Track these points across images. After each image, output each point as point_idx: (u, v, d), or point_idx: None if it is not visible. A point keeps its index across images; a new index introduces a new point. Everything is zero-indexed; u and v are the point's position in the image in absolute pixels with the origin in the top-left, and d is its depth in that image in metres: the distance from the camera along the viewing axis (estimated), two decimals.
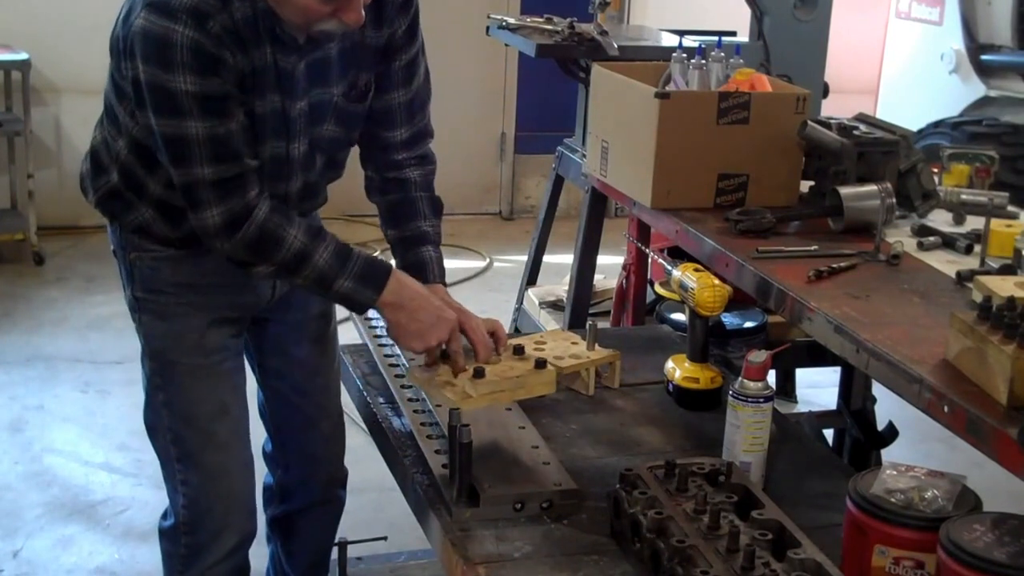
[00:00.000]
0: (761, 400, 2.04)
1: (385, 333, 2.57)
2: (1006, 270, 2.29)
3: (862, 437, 3.37)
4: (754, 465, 2.05)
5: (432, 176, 2.31)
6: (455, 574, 1.83)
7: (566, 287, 4.18)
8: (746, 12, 4.14)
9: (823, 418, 3.46)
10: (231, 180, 1.96)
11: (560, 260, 4.87)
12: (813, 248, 2.46)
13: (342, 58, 2.09)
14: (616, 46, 3.90)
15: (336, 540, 2.68)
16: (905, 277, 2.34)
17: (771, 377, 2.25)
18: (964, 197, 2.78)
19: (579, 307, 4.07)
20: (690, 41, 3.56)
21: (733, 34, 4.50)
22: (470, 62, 6.35)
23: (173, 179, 1.99)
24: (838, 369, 3.52)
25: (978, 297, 2.08)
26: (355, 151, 2.31)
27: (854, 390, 3.42)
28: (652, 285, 3.57)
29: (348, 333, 2.68)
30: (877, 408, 3.47)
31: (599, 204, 4.00)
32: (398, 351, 2.48)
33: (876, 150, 2.67)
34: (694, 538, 1.72)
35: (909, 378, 1.88)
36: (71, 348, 4.65)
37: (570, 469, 2.05)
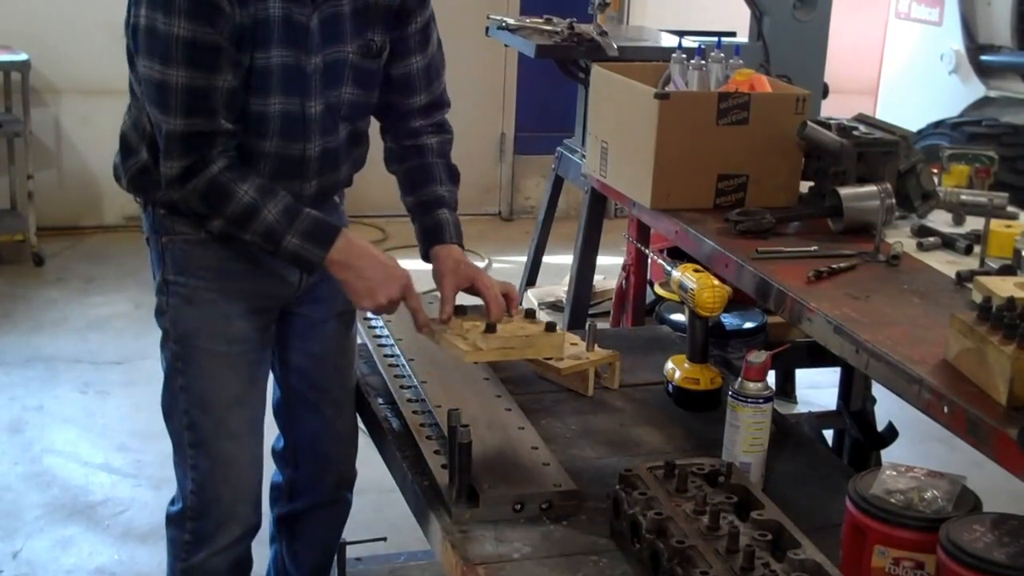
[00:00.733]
0: (761, 401, 2.04)
1: (385, 333, 2.58)
2: (1006, 270, 2.29)
3: (862, 438, 3.37)
4: (754, 466, 2.05)
5: (449, 145, 2.35)
6: (455, 575, 1.83)
7: (565, 288, 4.19)
8: (746, 12, 4.14)
9: (823, 418, 3.46)
10: (198, 136, 2.01)
11: (560, 261, 4.87)
12: (813, 249, 2.46)
13: (355, 17, 2.12)
14: (616, 47, 3.90)
15: None
16: (905, 278, 2.34)
17: (771, 378, 2.25)
18: (964, 197, 2.78)
19: (579, 308, 4.07)
20: (689, 42, 3.57)
21: (733, 35, 4.50)
22: (470, 63, 6.34)
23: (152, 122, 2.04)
24: (838, 370, 3.51)
25: (978, 297, 2.08)
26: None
27: (854, 391, 3.42)
28: (652, 286, 3.57)
29: None
30: (877, 408, 3.47)
31: (599, 205, 4.00)
32: (398, 351, 2.48)
33: (876, 151, 2.67)
34: (694, 539, 1.72)
35: (909, 378, 1.88)
36: (71, 349, 4.65)
37: (570, 470, 2.05)
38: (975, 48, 5.51)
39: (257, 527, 2.36)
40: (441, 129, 2.34)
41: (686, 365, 2.41)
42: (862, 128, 2.74)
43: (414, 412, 2.24)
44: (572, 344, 2.48)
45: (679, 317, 3.34)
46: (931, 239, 2.54)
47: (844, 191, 2.57)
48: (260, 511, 2.36)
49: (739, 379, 2.06)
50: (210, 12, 1.94)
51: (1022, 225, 2.54)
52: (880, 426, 3.41)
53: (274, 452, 2.56)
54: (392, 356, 2.49)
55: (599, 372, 2.46)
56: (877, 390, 3.40)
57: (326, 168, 2.21)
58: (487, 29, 4.34)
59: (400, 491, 2.17)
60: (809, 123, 2.72)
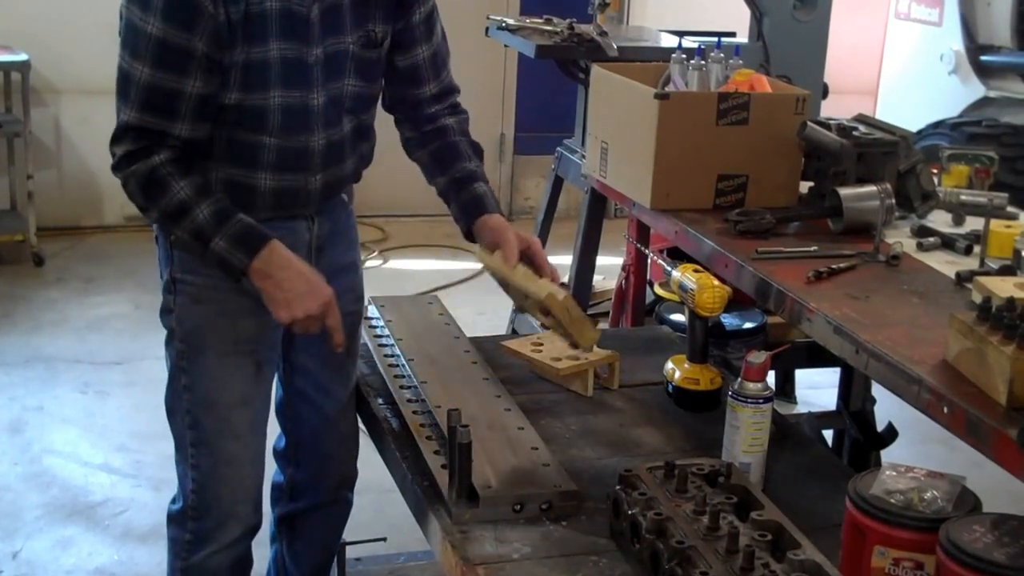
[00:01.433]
0: (760, 401, 2.04)
1: (386, 333, 2.58)
2: (1005, 271, 2.29)
3: (861, 438, 3.37)
4: (753, 466, 2.05)
5: (467, 124, 2.38)
6: (454, 575, 1.83)
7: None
8: (745, 13, 4.14)
9: (823, 419, 3.46)
10: (150, 132, 2.02)
11: (559, 261, 4.84)
12: (812, 249, 2.46)
13: (355, 8, 2.13)
14: (615, 47, 3.90)
15: None
16: (905, 278, 2.34)
17: (771, 378, 2.25)
18: (963, 198, 2.78)
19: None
20: (689, 42, 3.56)
21: (732, 35, 4.50)
22: (469, 63, 6.31)
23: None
24: (837, 370, 3.51)
25: (977, 298, 2.08)
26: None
27: (853, 391, 3.42)
28: (651, 286, 3.57)
29: None
30: (876, 409, 3.47)
31: (598, 205, 4.00)
32: (398, 351, 2.48)
33: (876, 151, 2.67)
34: (693, 539, 1.72)
35: (908, 379, 1.88)
36: (71, 349, 4.65)
37: (569, 470, 2.05)
38: (975, 48, 5.52)
39: (258, 527, 2.36)
40: (456, 110, 2.37)
41: (686, 365, 2.41)
42: (862, 128, 2.74)
43: (414, 412, 2.24)
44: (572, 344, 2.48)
45: (679, 317, 3.34)
46: (931, 239, 2.54)
47: (844, 191, 2.57)
48: (261, 511, 2.36)
49: (739, 379, 2.06)
50: (188, 15, 1.95)
51: (1022, 225, 2.54)
52: (880, 426, 3.41)
53: (275, 451, 2.56)
54: (392, 356, 2.49)
55: (599, 372, 2.46)
56: (877, 390, 3.40)
57: (331, 161, 2.21)
58: (487, 29, 4.34)
59: (400, 491, 2.17)
60: (809, 123, 2.72)
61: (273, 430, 2.54)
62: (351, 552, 2.78)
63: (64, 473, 3.72)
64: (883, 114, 5.45)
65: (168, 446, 2.32)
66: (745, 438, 2.05)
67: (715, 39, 3.17)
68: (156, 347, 2.28)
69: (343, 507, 2.57)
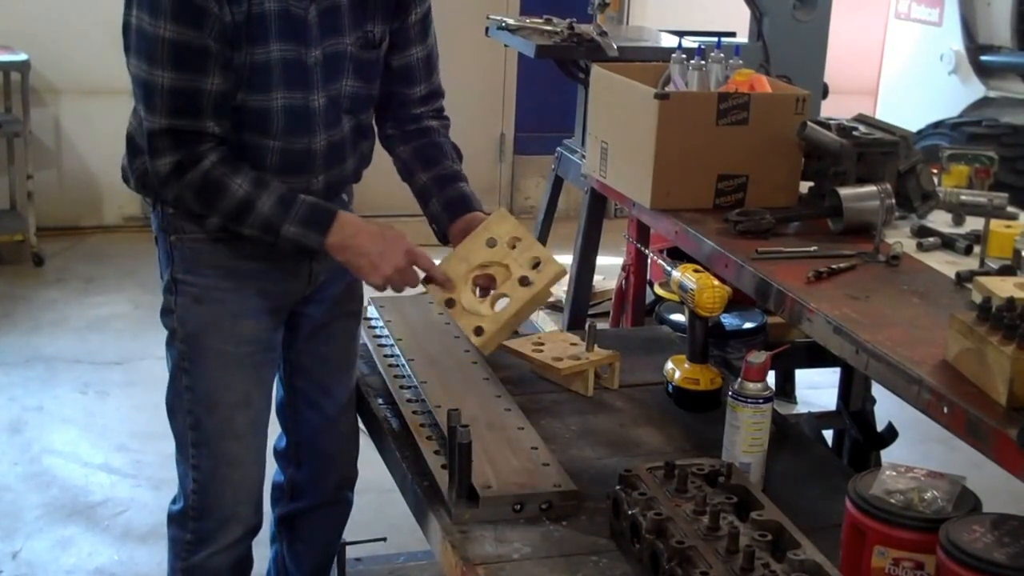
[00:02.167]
0: (760, 401, 2.04)
1: (385, 333, 2.58)
2: (1005, 271, 2.29)
3: (861, 438, 3.37)
4: (754, 466, 2.05)
5: (449, 128, 2.39)
6: (454, 575, 1.83)
7: (565, 288, 4.18)
8: (745, 13, 4.14)
9: (823, 419, 3.46)
10: (186, 133, 2.02)
11: (559, 261, 4.87)
12: (812, 249, 2.45)
13: (353, 9, 2.13)
14: (615, 47, 3.90)
15: None
16: (904, 278, 2.34)
17: (771, 378, 2.25)
18: (963, 198, 2.78)
19: (578, 308, 4.07)
20: (689, 42, 3.56)
21: (732, 35, 4.50)
22: (469, 63, 6.34)
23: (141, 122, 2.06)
24: (837, 370, 3.51)
25: (977, 298, 2.08)
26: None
27: (853, 391, 3.42)
28: (651, 286, 3.57)
29: None
30: (876, 409, 3.47)
31: (598, 205, 4.00)
32: (398, 351, 2.48)
33: (876, 151, 2.67)
34: (693, 539, 1.72)
35: (908, 379, 1.88)
36: (70, 349, 4.65)
37: (569, 470, 2.05)
38: (975, 48, 5.52)
39: (258, 527, 2.36)
40: (440, 114, 2.38)
41: (686, 365, 2.41)
42: (862, 128, 2.74)
43: (414, 412, 2.24)
44: (572, 344, 2.48)
45: (679, 317, 3.34)
46: (931, 239, 2.54)
47: (844, 191, 2.57)
48: (261, 511, 2.36)
49: (739, 379, 2.06)
50: (196, 14, 1.95)
51: (1022, 225, 2.54)
52: (880, 426, 3.41)
53: (276, 451, 2.56)
54: (392, 356, 2.49)
55: (599, 372, 2.46)
56: (877, 390, 3.40)
57: (333, 162, 2.21)
58: (487, 29, 4.34)
59: (400, 491, 2.17)
60: (809, 123, 2.72)
61: (273, 430, 2.54)
62: (351, 552, 2.78)
63: (64, 473, 3.72)
64: (883, 114, 5.45)
65: (168, 446, 2.32)
66: (745, 438, 2.05)
67: (715, 39, 3.17)
68: (156, 347, 2.28)
69: (343, 507, 2.57)
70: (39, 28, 5.75)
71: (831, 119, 2.78)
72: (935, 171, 2.89)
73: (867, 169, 2.65)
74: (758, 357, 2.05)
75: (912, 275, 2.35)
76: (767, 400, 2.05)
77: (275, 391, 2.46)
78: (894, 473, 1.76)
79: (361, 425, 2.47)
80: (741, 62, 2.99)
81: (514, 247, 2.19)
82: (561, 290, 4.32)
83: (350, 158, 2.26)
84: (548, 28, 4.12)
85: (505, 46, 4.70)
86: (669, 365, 2.44)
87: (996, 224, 2.48)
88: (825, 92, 4.15)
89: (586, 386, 2.43)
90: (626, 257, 3.65)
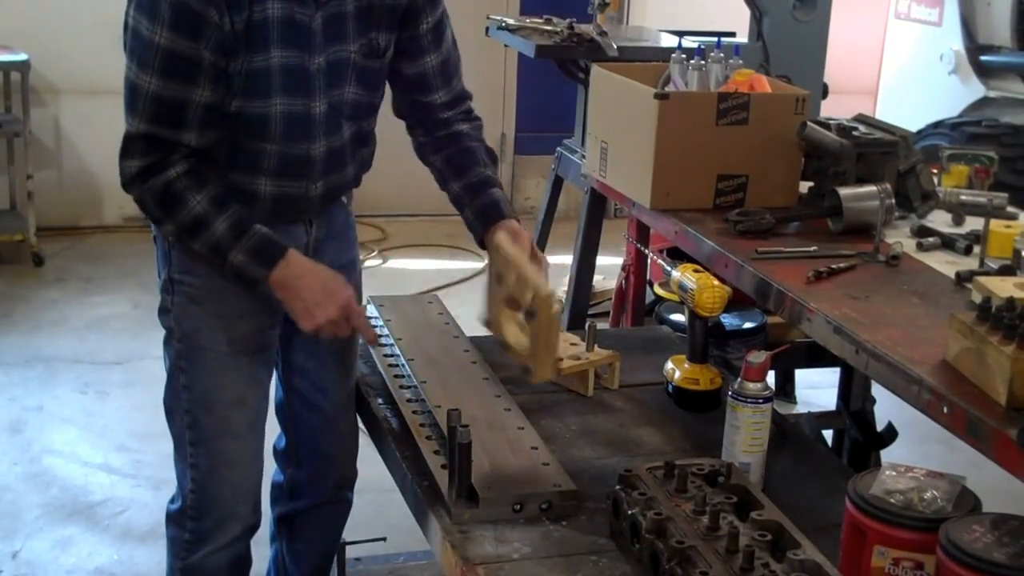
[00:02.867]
0: (760, 401, 2.04)
1: (385, 333, 2.58)
2: (1005, 271, 2.29)
3: (861, 438, 3.37)
4: (753, 466, 2.05)
5: (481, 130, 2.38)
6: (454, 575, 1.83)
7: (565, 288, 4.18)
8: (745, 13, 4.14)
9: (822, 419, 3.46)
10: (161, 140, 2.01)
11: (559, 261, 4.86)
12: (812, 249, 2.46)
13: (358, 17, 2.12)
14: (615, 47, 3.91)
15: None
16: (904, 278, 2.34)
17: (770, 378, 2.25)
18: (963, 198, 2.78)
19: (578, 308, 4.07)
20: (689, 42, 3.57)
21: (732, 35, 4.50)
22: (469, 63, 6.28)
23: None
24: (837, 370, 3.51)
25: (977, 298, 2.08)
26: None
27: (853, 391, 3.42)
28: (651, 286, 3.57)
29: None
30: (876, 409, 3.47)
31: (598, 205, 4.00)
32: (398, 351, 2.48)
33: (875, 151, 2.67)
34: (693, 539, 1.72)
35: (908, 379, 1.88)
36: (70, 349, 4.65)
37: (569, 470, 2.05)
38: (975, 48, 5.52)
39: (256, 526, 2.36)
40: (470, 116, 2.37)
41: (686, 365, 2.41)
42: (862, 128, 2.74)
43: (414, 412, 2.24)
44: (572, 344, 2.48)
45: (679, 317, 3.34)
46: (931, 239, 2.54)
47: (844, 191, 2.57)
48: (260, 510, 2.36)
49: (739, 379, 2.06)
50: (195, 24, 1.94)
51: (1022, 225, 2.54)
52: (880, 426, 3.41)
53: (276, 451, 2.56)
54: (392, 356, 2.49)
55: (599, 372, 2.46)
56: (877, 390, 3.40)
57: (332, 168, 2.21)
58: (487, 29, 4.34)
59: (400, 491, 2.17)
60: (809, 123, 2.72)
61: (273, 430, 2.55)
62: (351, 552, 2.78)
63: (64, 473, 3.72)
64: (883, 114, 5.45)
65: (168, 446, 2.32)
66: (745, 438, 2.05)
67: (715, 39, 3.17)
68: (156, 347, 2.28)
69: (343, 507, 2.57)
70: (39, 28, 5.75)
71: (831, 119, 2.79)
72: (935, 171, 2.89)
73: (867, 169, 2.65)
74: (758, 357, 2.05)
75: (912, 275, 2.35)
76: (767, 400, 2.05)
77: (274, 391, 2.46)
78: (894, 473, 1.76)
79: (361, 425, 2.47)
80: (741, 62, 2.99)
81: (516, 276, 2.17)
82: (561, 290, 4.33)
83: (350, 164, 2.26)
84: (548, 28, 4.12)
85: (505, 46, 4.70)
86: (669, 365, 2.44)
87: (996, 224, 2.48)
88: (825, 92, 4.16)
89: (586, 386, 2.42)
90: (626, 257, 3.65)
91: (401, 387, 2.35)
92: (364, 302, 2.56)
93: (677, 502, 1.83)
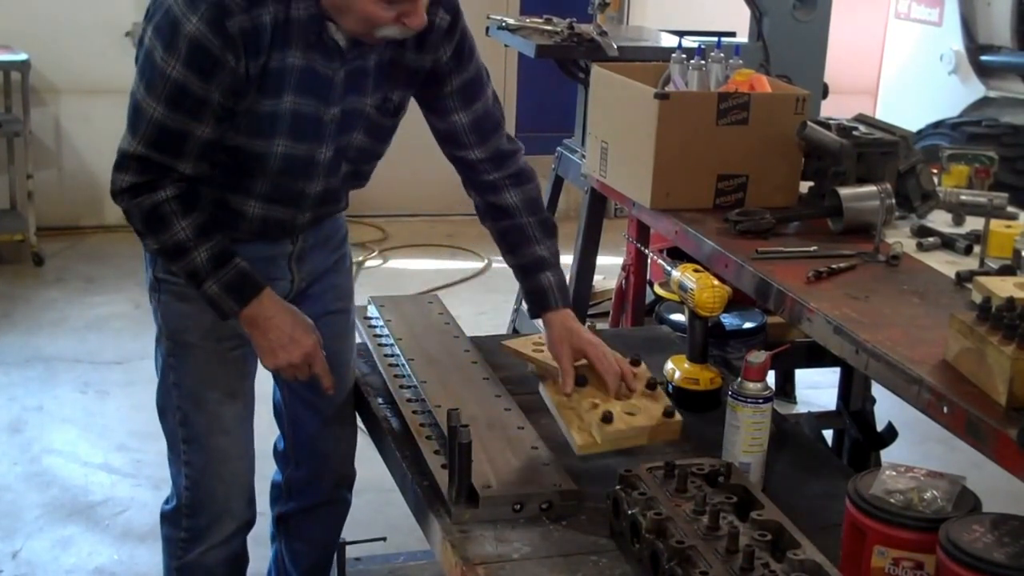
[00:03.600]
0: (760, 401, 2.04)
1: (385, 333, 2.58)
2: (1005, 271, 2.29)
3: (861, 438, 3.37)
4: (753, 466, 2.05)
5: (534, 194, 2.35)
6: (454, 575, 1.83)
7: None
8: (745, 13, 4.14)
9: (822, 419, 3.46)
10: (156, 164, 2.02)
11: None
12: (812, 249, 2.46)
13: (379, 72, 2.12)
14: (615, 47, 3.90)
15: None
16: (904, 278, 2.34)
17: (770, 378, 2.25)
18: (963, 198, 2.78)
19: (578, 308, 4.05)
20: (689, 42, 3.56)
21: (732, 35, 4.50)
22: None
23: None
24: (837, 370, 3.51)
25: (977, 298, 2.08)
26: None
27: (853, 391, 3.42)
28: (651, 286, 3.57)
29: None
30: (876, 409, 3.47)
31: (598, 205, 4.00)
32: (398, 351, 2.48)
33: (875, 151, 2.67)
34: (693, 539, 1.72)
35: (908, 379, 1.88)
36: (70, 349, 4.65)
37: (570, 470, 2.05)
38: (975, 48, 5.52)
39: (251, 522, 2.37)
40: (520, 179, 2.33)
41: (686, 365, 2.40)
42: (862, 128, 2.74)
43: (414, 412, 2.24)
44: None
45: (679, 317, 3.34)
46: (931, 239, 2.54)
47: (844, 191, 2.57)
48: (254, 506, 2.36)
49: (739, 379, 2.06)
50: (210, 66, 1.93)
51: (1022, 225, 2.54)
52: (880, 426, 3.41)
53: (275, 452, 2.57)
54: (392, 356, 2.49)
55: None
56: (877, 390, 3.40)
57: (325, 202, 2.24)
58: (487, 29, 4.34)
59: (400, 491, 2.17)
60: (809, 123, 2.72)
61: (273, 430, 2.55)
62: (351, 552, 2.78)
63: (64, 473, 3.72)
64: (883, 114, 5.46)
65: None
66: (745, 438, 2.05)
67: (715, 39, 3.17)
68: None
69: (341, 506, 2.57)
70: (39, 28, 5.75)
71: (831, 119, 2.79)
72: (935, 171, 2.89)
73: (867, 169, 2.65)
74: (758, 357, 2.05)
75: (912, 275, 2.36)
76: (767, 400, 2.05)
77: (272, 391, 2.46)
78: (894, 473, 1.76)
79: (361, 425, 2.47)
80: (741, 62, 3.00)
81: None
82: None
83: (343, 199, 2.31)
84: (548, 28, 4.12)
85: (505, 46, 4.69)
86: (669, 365, 2.44)
87: (996, 224, 2.48)
88: (825, 92, 4.16)
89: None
90: (626, 257, 3.65)
91: (401, 387, 2.35)
92: (364, 302, 2.56)
93: (677, 502, 1.83)
